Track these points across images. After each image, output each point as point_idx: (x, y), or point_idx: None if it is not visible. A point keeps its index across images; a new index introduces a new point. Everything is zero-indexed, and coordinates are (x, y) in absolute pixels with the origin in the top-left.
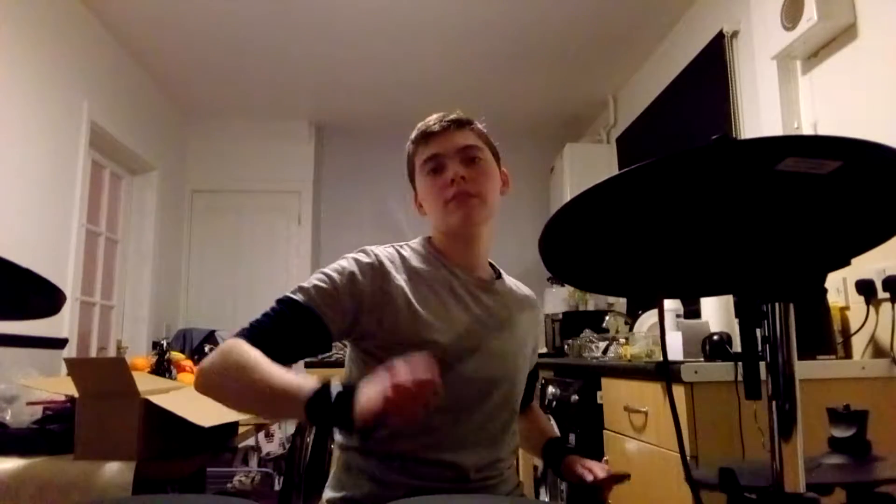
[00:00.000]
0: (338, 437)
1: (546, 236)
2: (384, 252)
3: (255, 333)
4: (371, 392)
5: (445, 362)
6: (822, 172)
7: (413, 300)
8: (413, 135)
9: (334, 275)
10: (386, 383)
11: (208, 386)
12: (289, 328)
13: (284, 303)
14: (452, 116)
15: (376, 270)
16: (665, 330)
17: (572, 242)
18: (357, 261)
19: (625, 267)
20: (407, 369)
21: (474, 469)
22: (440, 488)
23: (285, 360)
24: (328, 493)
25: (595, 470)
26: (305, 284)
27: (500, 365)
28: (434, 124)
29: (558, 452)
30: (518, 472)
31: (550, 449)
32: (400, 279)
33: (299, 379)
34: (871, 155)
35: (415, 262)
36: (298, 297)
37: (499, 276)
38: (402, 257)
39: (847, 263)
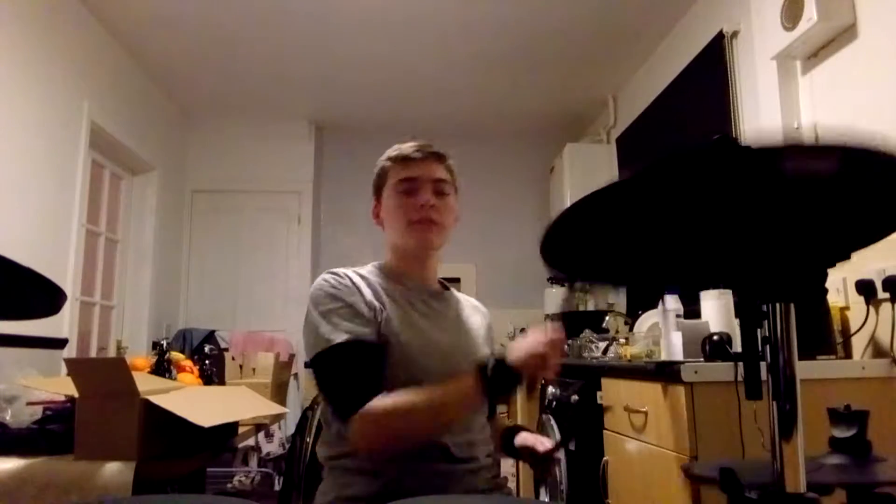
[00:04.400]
0: (321, 451)
1: (546, 242)
2: (348, 272)
3: (362, 393)
4: (524, 350)
5: (409, 358)
6: (822, 172)
7: (381, 309)
8: (392, 153)
9: (336, 299)
10: (534, 342)
11: (384, 441)
12: (367, 366)
13: (332, 353)
14: (432, 149)
15: (352, 284)
16: (669, 330)
17: (572, 245)
18: (337, 280)
19: (626, 266)
20: (540, 334)
21: (453, 445)
22: (429, 468)
23: (379, 389)
24: (317, 501)
25: (545, 442)
26: (329, 326)
27: (458, 358)
28: (416, 151)
29: (511, 433)
30: (518, 473)
31: (506, 434)
32: (369, 293)
33: (449, 382)
34: (870, 155)
35: (373, 278)
36: (341, 337)
37: (447, 290)
38: (361, 276)
39: (848, 256)
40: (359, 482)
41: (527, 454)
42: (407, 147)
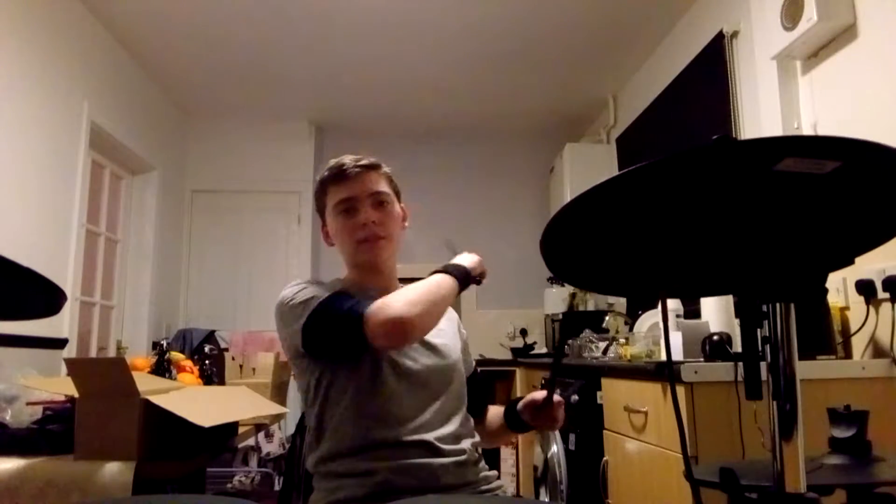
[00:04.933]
0: (308, 460)
1: (547, 237)
2: (309, 280)
3: (359, 304)
4: (470, 258)
5: (377, 360)
6: (822, 172)
7: None
8: (325, 174)
9: (305, 285)
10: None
11: (415, 318)
12: (352, 296)
13: (325, 301)
14: (364, 161)
15: (315, 283)
16: (668, 329)
17: (573, 243)
18: (301, 283)
19: (626, 267)
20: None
21: (436, 439)
22: (417, 464)
23: None
24: None
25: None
26: (308, 296)
27: (425, 357)
28: (348, 168)
29: (512, 406)
30: (518, 473)
31: (508, 410)
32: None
33: (432, 277)
34: (870, 155)
35: (334, 287)
36: (323, 295)
37: None
38: (328, 286)
39: (851, 262)
40: (348, 485)
41: (531, 409)
42: (340, 163)
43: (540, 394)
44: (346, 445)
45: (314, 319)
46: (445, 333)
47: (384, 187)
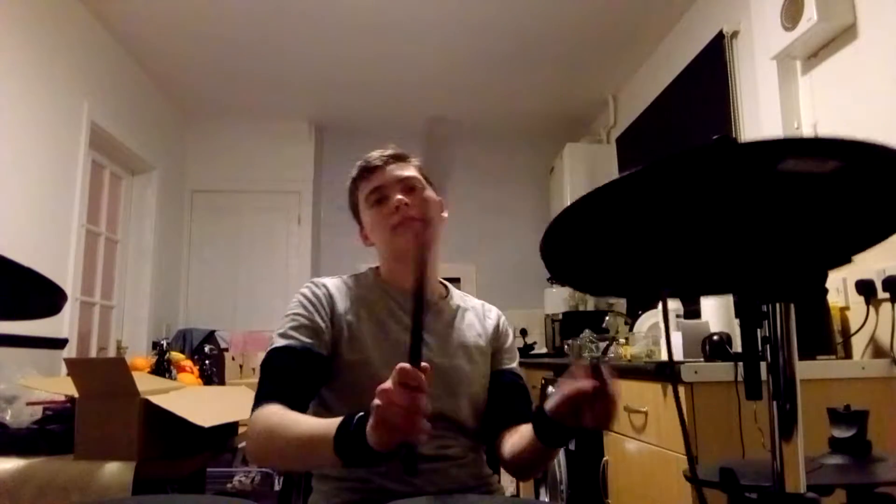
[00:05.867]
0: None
1: (547, 239)
2: (331, 282)
3: (266, 394)
4: (372, 423)
5: (381, 377)
6: (823, 172)
7: (353, 322)
8: (353, 172)
9: (299, 308)
10: (379, 407)
11: (260, 460)
12: (288, 373)
13: (272, 354)
14: (390, 152)
15: (326, 298)
16: (669, 328)
17: (574, 246)
18: (312, 291)
19: (626, 268)
20: (389, 388)
21: (433, 447)
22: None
23: (304, 403)
24: None
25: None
26: (281, 330)
27: (438, 377)
28: (374, 160)
29: (540, 413)
30: None
31: (536, 419)
32: (344, 305)
33: (326, 422)
34: (871, 155)
35: (358, 289)
36: (280, 342)
37: (448, 294)
38: (347, 286)
39: (849, 261)
40: (345, 490)
41: (571, 405)
42: (366, 158)
43: (585, 383)
44: None
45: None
46: (449, 334)
47: (413, 173)
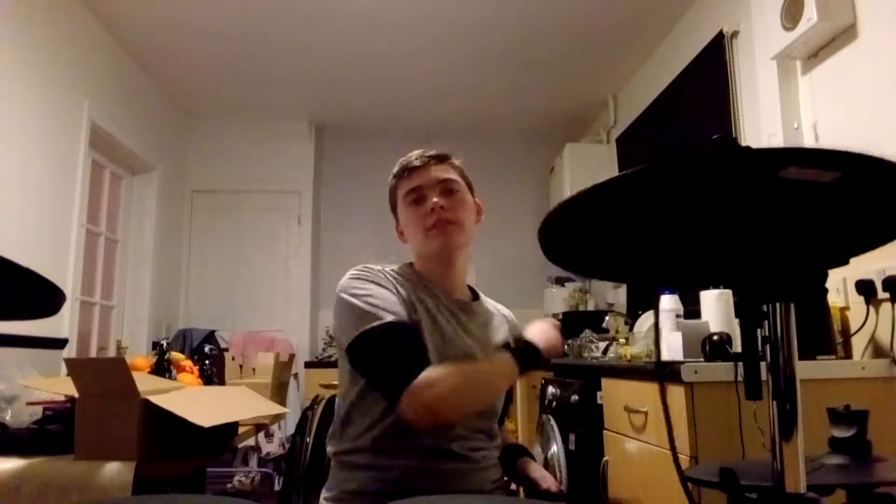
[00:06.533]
0: (330, 445)
1: (545, 230)
2: (382, 268)
3: (416, 364)
4: (547, 336)
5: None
6: (822, 181)
7: (411, 310)
8: (395, 170)
9: (373, 283)
10: (546, 325)
11: (451, 406)
12: (408, 344)
13: (380, 334)
14: (432, 152)
15: (385, 277)
16: (660, 329)
17: (572, 239)
18: (370, 271)
19: (625, 267)
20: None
21: (460, 448)
22: (434, 466)
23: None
24: (323, 494)
25: (548, 481)
26: (370, 307)
27: None
28: (416, 160)
29: (514, 454)
30: None
31: (508, 453)
32: (404, 292)
33: (490, 358)
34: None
35: (399, 282)
36: (385, 316)
37: (476, 297)
38: (395, 277)
39: (846, 262)
40: (364, 478)
41: (527, 483)
42: (408, 158)
43: (544, 482)
44: (369, 443)
45: (365, 347)
46: (486, 335)
47: (454, 175)
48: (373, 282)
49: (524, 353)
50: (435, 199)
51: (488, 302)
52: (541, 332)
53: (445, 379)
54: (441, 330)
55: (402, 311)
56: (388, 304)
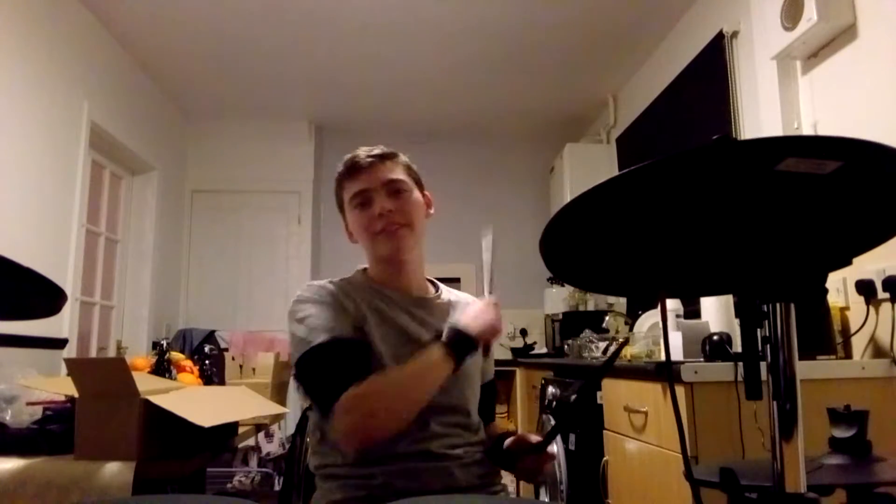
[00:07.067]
0: (311, 460)
1: (547, 236)
2: (325, 283)
3: (339, 384)
4: (475, 315)
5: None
6: (823, 173)
7: (358, 314)
8: (340, 169)
9: (313, 303)
10: (481, 308)
11: (365, 429)
12: (340, 362)
13: (310, 354)
14: (377, 151)
15: (329, 293)
16: (668, 329)
17: (573, 242)
18: (313, 290)
19: (626, 267)
20: (483, 302)
21: (439, 447)
22: (416, 467)
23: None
24: None
25: (533, 437)
26: (307, 328)
27: None
28: (360, 160)
29: (501, 440)
30: None
31: (497, 441)
32: (347, 302)
33: (417, 356)
34: (871, 155)
35: (353, 292)
36: (321, 338)
37: (437, 290)
38: (341, 287)
39: (848, 263)
40: (348, 486)
41: (516, 451)
42: (353, 156)
43: (535, 437)
44: (347, 456)
45: (298, 376)
46: (436, 323)
47: (400, 175)
48: (310, 301)
49: (456, 342)
50: (382, 203)
51: (451, 293)
52: (473, 316)
53: (368, 396)
54: (399, 330)
55: (342, 325)
56: (323, 321)
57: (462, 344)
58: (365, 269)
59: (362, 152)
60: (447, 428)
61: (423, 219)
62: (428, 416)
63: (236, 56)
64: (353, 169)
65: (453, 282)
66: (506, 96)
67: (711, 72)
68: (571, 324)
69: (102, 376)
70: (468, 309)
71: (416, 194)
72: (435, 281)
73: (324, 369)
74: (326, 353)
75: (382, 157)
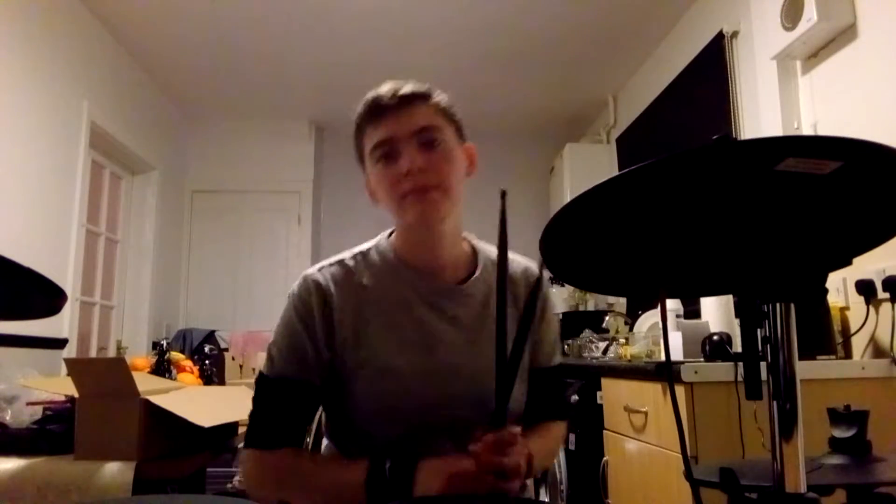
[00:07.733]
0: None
1: (547, 236)
2: (329, 272)
3: (261, 436)
4: (435, 480)
5: (398, 383)
6: (823, 173)
7: (359, 325)
8: (360, 109)
9: (285, 326)
10: (452, 465)
11: (261, 499)
12: (280, 409)
13: (260, 385)
14: (407, 90)
15: (316, 303)
16: (667, 329)
17: (573, 242)
18: (298, 298)
19: (626, 267)
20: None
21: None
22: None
23: (299, 434)
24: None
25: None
26: (268, 352)
27: (462, 382)
28: (385, 100)
29: None
30: None
31: None
32: (345, 305)
33: (345, 468)
34: (871, 155)
35: (366, 278)
36: (270, 371)
37: (476, 269)
38: (351, 273)
39: (848, 263)
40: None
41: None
42: (376, 95)
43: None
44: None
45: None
46: (481, 320)
47: (435, 121)
48: (285, 320)
49: (380, 488)
50: (411, 158)
51: (492, 267)
52: (425, 481)
53: (270, 468)
54: (413, 326)
55: (299, 360)
56: (278, 351)
57: (387, 492)
58: (387, 245)
59: (387, 90)
60: (442, 442)
61: (462, 177)
62: (414, 434)
63: (237, 56)
64: (376, 111)
65: None
66: (506, 96)
67: (711, 72)
68: (571, 323)
69: (102, 376)
70: (434, 466)
71: (454, 146)
72: (477, 246)
73: (260, 405)
74: (267, 391)
75: (412, 98)
